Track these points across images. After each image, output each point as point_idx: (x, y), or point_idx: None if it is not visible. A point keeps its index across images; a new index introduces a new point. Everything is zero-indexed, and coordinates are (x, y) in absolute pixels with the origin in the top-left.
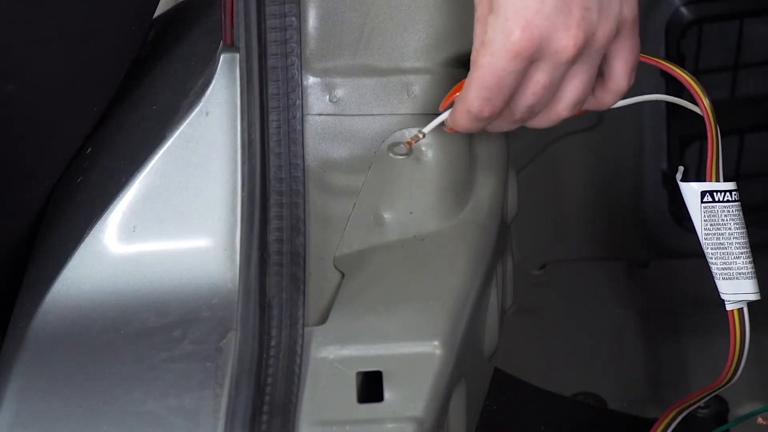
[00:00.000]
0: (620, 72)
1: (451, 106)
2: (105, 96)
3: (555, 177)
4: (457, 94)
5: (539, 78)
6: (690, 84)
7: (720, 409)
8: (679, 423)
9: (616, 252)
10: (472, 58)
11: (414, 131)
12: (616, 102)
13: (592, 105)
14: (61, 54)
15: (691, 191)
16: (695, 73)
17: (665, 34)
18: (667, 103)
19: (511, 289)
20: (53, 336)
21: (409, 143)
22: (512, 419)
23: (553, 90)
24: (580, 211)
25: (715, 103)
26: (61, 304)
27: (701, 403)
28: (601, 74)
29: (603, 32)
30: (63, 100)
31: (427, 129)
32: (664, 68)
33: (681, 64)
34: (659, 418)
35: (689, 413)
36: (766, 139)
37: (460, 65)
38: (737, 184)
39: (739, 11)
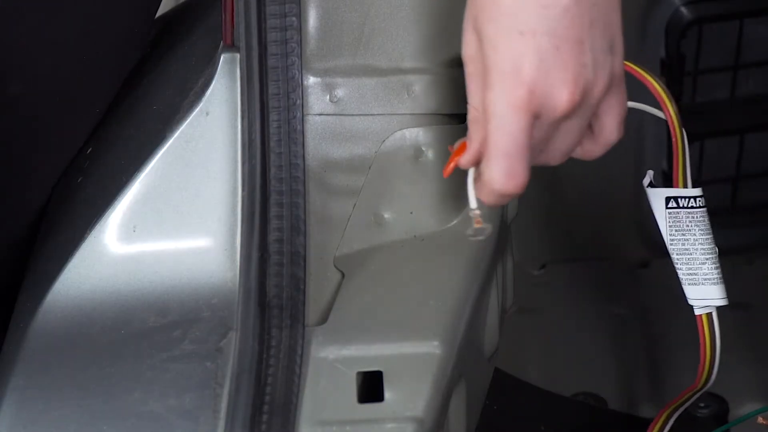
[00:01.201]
0: (611, 126)
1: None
2: (107, 96)
3: (554, 177)
4: (458, 158)
5: (534, 134)
6: (656, 89)
7: (720, 409)
8: (679, 423)
9: (616, 252)
10: (469, 120)
11: (416, 131)
12: (603, 153)
13: (578, 155)
14: (64, 55)
15: (656, 196)
16: (695, 73)
17: (665, 34)
18: None
19: (511, 289)
20: (53, 336)
21: (478, 222)
22: (512, 419)
23: (545, 145)
24: (580, 211)
25: (715, 103)
26: (61, 304)
27: (701, 403)
28: (589, 126)
29: (598, 89)
30: (65, 100)
31: (473, 204)
32: (635, 74)
33: (681, 63)
34: (652, 421)
35: (689, 413)
36: (766, 139)
37: (461, 65)
38: (736, 185)
39: (739, 11)
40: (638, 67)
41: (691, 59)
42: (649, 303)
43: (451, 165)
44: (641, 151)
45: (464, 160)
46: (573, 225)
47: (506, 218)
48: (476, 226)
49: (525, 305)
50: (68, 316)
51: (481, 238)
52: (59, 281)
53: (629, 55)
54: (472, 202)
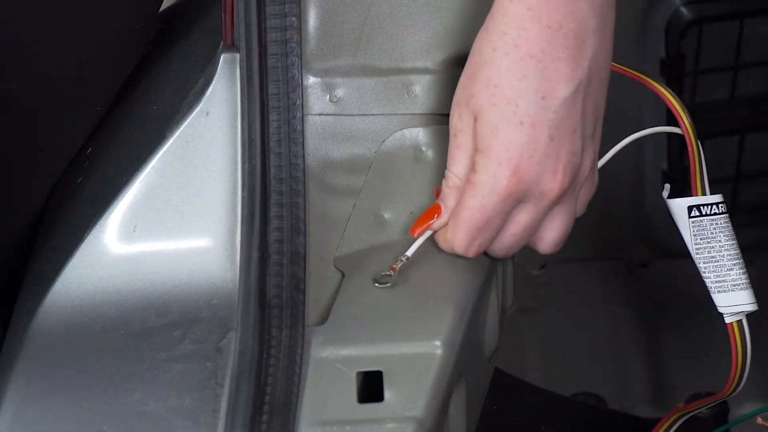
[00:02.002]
0: (582, 204)
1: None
2: (107, 96)
3: None
4: (434, 220)
5: (521, 218)
6: (670, 101)
7: (720, 409)
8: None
9: (616, 252)
10: (448, 186)
11: (416, 131)
12: None
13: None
14: (66, 53)
15: (678, 207)
16: (695, 73)
17: (665, 34)
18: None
19: (511, 289)
20: (53, 336)
21: (393, 269)
22: (512, 419)
23: (533, 229)
24: None
25: (715, 103)
26: (61, 304)
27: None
28: None
29: (584, 172)
30: (67, 99)
31: (409, 252)
32: (647, 84)
33: (681, 64)
34: (660, 421)
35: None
36: (766, 138)
37: (461, 65)
38: (736, 185)
39: (739, 11)
40: (652, 79)
41: (691, 59)
42: (649, 303)
43: (423, 228)
44: (641, 151)
45: (438, 224)
46: (573, 225)
47: None
48: (391, 273)
49: (525, 305)
50: (68, 316)
51: (387, 285)
52: (59, 281)
53: (629, 56)
54: (410, 252)
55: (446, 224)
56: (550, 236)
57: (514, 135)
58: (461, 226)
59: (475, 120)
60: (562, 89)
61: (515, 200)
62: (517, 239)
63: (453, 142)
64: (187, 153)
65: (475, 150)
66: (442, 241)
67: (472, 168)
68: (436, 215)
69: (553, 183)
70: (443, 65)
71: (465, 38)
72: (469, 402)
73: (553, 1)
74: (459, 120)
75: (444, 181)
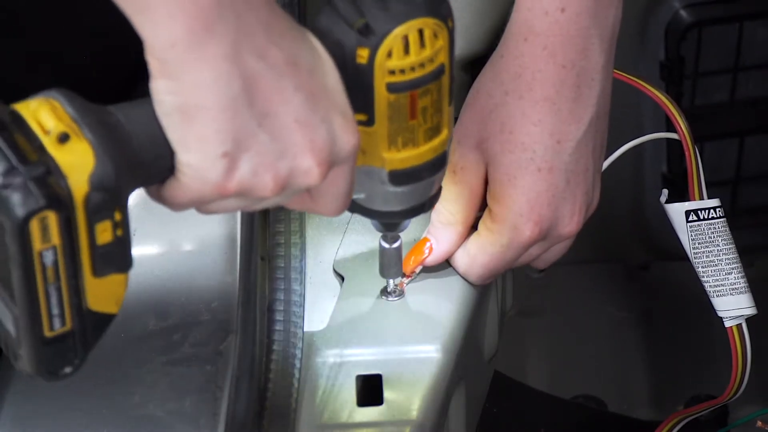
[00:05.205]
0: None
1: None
2: (113, 95)
3: None
4: (425, 256)
5: (533, 251)
6: (668, 107)
7: (720, 412)
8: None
9: (616, 254)
10: (441, 222)
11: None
12: None
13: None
14: (70, 50)
15: (675, 212)
16: (695, 76)
17: (665, 37)
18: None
19: (510, 292)
20: None
21: (401, 284)
22: (512, 422)
23: (539, 256)
24: None
25: (714, 106)
26: None
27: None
28: None
29: (594, 206)
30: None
31: (408, 273)
32: (645, 90)
33: (681, 66)
34: (660, 424)
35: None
36: (766, 141)
37: (461, 68)
38: (736, 187)
39: (738, 14)
40: (650, 85)
41: (691, 62)
42: (649, 305)
43: (415, 266)
44: (641, 154)
45: (431, 261)
46: None
47: None
48: (400, 287)
49: (525, 308)
50: None
51: (395, 299)
52: None
53: (629, 58)
54: (410, 273)
55: (441, 261)
56: (550, 258)
57: (533, 183)
58: (478, 267)
59: (488, 165)
60: (575, 131)
61: (533, 245)
62: (523, 263)
63: (451, 178)
64: None
65: (491, 196)
66: (457, 268)
67: (490, 215)
68: (427, 251)
69: (570, 225)
70: None
71: (465, 38)
72: (469, 405)
73: (568, 39)
74: (461, 158)
75: (435, 215)
